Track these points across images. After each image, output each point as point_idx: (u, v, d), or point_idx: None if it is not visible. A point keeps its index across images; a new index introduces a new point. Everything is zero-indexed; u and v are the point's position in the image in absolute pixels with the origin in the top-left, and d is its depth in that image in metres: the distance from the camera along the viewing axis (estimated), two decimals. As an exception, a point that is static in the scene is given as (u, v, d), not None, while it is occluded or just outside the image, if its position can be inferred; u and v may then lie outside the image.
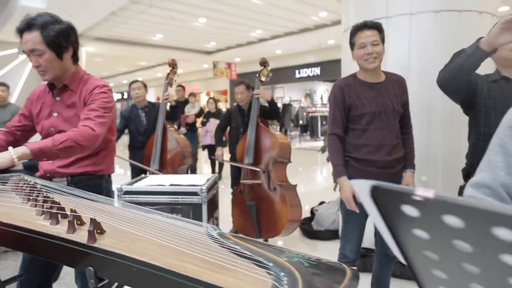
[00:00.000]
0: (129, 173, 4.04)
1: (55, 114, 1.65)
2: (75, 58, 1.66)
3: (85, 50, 11.72)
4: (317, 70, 13.46)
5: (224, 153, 3.88)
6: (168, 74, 3.72)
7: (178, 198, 2.74)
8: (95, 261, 0.82)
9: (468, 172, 1.84)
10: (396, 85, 2.07)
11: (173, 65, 3.72)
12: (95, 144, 1.53)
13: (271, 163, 3.18)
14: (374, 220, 0.52)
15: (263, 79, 3.35)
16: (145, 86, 3.85)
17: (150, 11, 8.39)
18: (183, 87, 6.92)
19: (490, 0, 2.67)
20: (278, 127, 13.96)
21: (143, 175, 3.30)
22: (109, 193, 1.80)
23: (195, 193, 2.73)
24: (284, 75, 14.36)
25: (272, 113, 3.34)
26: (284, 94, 15.38)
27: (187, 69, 17.39)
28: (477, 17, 2.58)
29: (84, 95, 1.63)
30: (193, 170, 6.39)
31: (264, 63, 3.40)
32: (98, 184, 1.71)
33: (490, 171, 0.92)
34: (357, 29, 1.99)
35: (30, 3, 7.43)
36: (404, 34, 2.64)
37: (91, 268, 0.82)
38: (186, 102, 6.76)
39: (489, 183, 0.91)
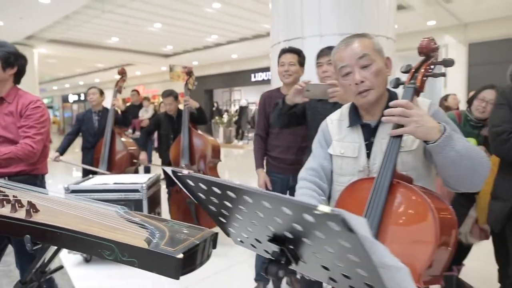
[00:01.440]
0: (80, 174, 4.29)
1: None
2: (17, 79, 2.03)
3: (37, 52, 11.56)
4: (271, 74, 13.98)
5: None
6: (118, 81, 4.02)
7: (121, 195, 3.07)
8: (31, 230, 1.17)
9: None
10: None
11: (122, 73, 4.02)
12: (34, 158, 1.94)
13: (204, 163, 3.59)
14: (185, 191, 0.92)
15: (190, 87, 3.73)
16: (101, 92, 4.11)
17: (104, 15, 8.52)
18: (138, 92, 7.19)
19: (384, 26, 3.21)
20: (235, 129, 14.37)
21: (90, 176, 3.59)
22: None
23: (136, 190, 3.08)
24: (240, 78, 14.80)
25: (200, 118, 3.74)
26: (241, 97, 15.82)
27: (145, 71, 17.41)
28: (374, 40, 3.12)
29: (21, 108, 1.97)
30: (147, 170, 6.65)
31: (189, 72, 3.78)
32: (32, 183, 2.02)
33: (314, 159, 1.38)
34: (282, 52, 2.52)
35: (-22, 5, 7.37)
36: (315, 53, 3.12)
37: (28, 235, 1.17)
38: (140, 106, 7.02)
39: (314, 166, 1.36)
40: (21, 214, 1.21)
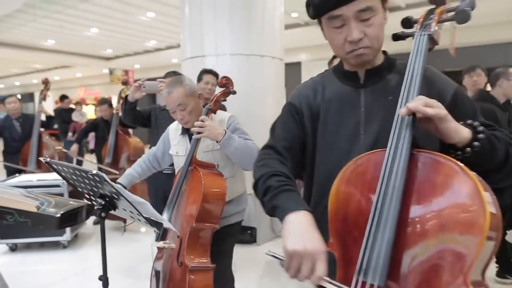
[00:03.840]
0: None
1: None
2: None
3: (-32, 52, 11.28)
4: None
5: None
6: (42, 90, 4.44)
7: (44, 190, 3.54)
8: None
9: None
10: None
11: (46, 83, 4.44)
12: None
13: (127, 161, 4.15)
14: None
15: (123, 95, 4.30)
16: (19, 100, 4.53)
17: (39, 19, 8.65)
18: (67, 96, 7.59)
19: (270, 47, 3.92)
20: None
21: (17, 175, 4.00)
22: None
23: (57, 185, 3.56)
24: (182, 82, 15.20)
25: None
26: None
27: (86, 73, 17.26)
28: (260, 59, 3.84)
29: None
30: (79, 164, 7.06)
31: (125, 82, 4.36)
32: None
33: (156, 147, 2.04)
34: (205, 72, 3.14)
35: None
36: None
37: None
38: (70, 110, 7.35)
39: (153, 152, 2.06)
40: None
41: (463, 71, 3.42)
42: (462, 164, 0.77)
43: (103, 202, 1.42)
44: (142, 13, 8.44)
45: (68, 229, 3.67)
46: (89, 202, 1.68)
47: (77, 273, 3.22)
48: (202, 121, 1.70)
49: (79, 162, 6.99)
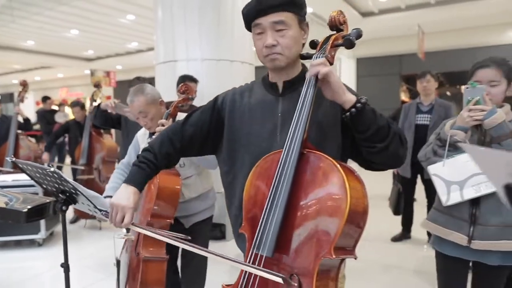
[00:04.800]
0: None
1: None
2: None
3: None
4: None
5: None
6: (20, 92, 4.55)
7: (19, 190, 3.65)
8: None
9: None
10: None
11: (24, 85, 4.55)
12: None
13: (101, 162, 4.28)
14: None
15: (95, 98, 4.45)
16: None
17: (18, 20, 8.65)
18: (49, 97, 7.63)
19: (239, 52, 4.11)
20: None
21: (-8, 175, 4.09)
22: None
23: (32, 185, 3.68)
24: (164, 83, 15.29)
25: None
26: (166, 101, 16.32)
27: (68, 74, 17.15)
28: (229, 64, 4.03)
29: None
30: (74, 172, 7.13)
31: (97, 85, 4.51)
32: None
33: (127, 157, 2.19)
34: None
35: None
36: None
37: None
38: (52, 111, 7.42)
39: (125, 162, 2.17)
40: None
41: (416, 76, 3.69)
42: (336, 162, 0.98)
43: (64, 197, 1.59)
44: (122, 15, 8.54)
45: (43, 227, 3.80)
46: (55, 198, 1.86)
47: (51, 270, 3.35)
48: (162, 125, 1.88)
49: (59, 169, 7.11)
